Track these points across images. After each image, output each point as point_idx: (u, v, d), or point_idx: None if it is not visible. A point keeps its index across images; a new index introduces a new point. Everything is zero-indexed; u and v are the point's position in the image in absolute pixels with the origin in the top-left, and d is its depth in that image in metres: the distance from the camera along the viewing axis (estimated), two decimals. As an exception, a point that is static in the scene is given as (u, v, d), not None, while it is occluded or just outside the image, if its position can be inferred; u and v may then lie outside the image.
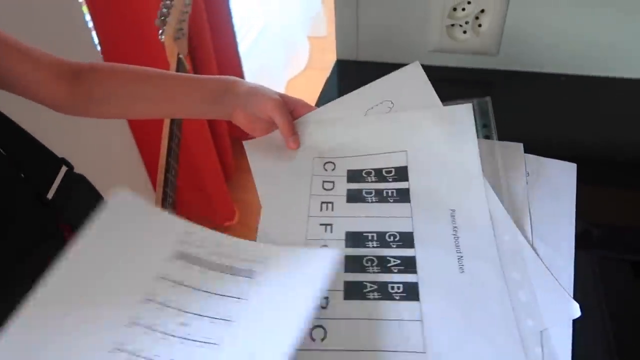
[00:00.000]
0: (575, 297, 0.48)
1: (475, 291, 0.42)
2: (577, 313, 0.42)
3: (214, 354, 0.35)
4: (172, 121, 0.80)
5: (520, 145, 0.64)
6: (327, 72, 0.83)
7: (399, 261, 0.44)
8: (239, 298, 0.39)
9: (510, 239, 0.47)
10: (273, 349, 0.33)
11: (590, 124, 0.70)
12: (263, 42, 2.10)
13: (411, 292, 0.42)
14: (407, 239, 0.46)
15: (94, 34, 1.15)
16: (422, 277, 0.43)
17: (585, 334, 0.45)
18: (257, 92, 0.54)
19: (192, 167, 1.47)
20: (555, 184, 0.58)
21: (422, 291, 0.42)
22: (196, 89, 0.55)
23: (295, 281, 0.40)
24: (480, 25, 0.75)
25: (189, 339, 0.36)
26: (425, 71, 0.81)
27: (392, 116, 0.57)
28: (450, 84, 0.79)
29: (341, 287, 0.43)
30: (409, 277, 0.43)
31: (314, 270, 0.39)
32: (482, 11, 0.73)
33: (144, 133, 1.31)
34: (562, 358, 0.43)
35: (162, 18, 0.80)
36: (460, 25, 0.76)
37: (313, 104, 0.78)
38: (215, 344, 0.36)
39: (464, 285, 0.42)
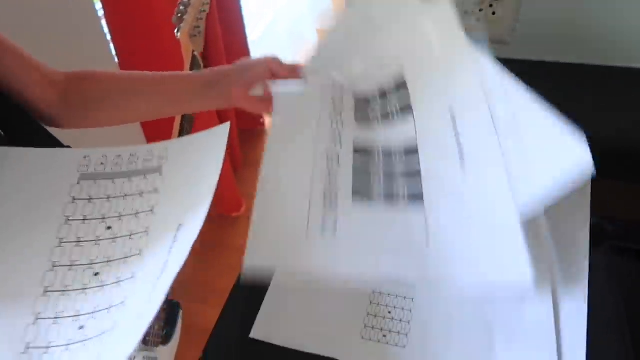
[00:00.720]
0: (590, 287, 0.47)
1: (478, 190, 0.42)
2: (589, 162, 0.41)
3: (144, 241, 0.39)
4: (183, 117, 0.80)
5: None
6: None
7: (404, 168, 0.45)
8: (155, 190, 0.42)
9: (505, 110, 0.46)
10: (193, 214, 0.38)
11: (605, 115, 0.68)
12: (272, 34, 2.09)
13: (416, 196, 0.43)
14: (411, 150, 0.46)
15: (103, 22, 1.15)
16: (426, 179, 0.44)
17: (600, 324, 0.44)
18: (248, 60, 0.54)
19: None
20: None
21: (427, 193, 0.43)
22: (188, 79, 0.55)
23: (198, 161, 0.43)
24: (494, 13, 0.74)
25: (117, 237, 0.39)
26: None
27: (379, 31, 0.55)
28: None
29: (350, 194, 0.44)
30: (413, 182, 0.44)
31: (212, 147, 0.43)
32: (497, -1, 0.72)
33: (154, 129, 1.31)
34: (578, 347, 0.43)
35: (179, 15, 0.80)
36: (474, 13, 0.74)
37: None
38: (143, 232, 0.39)
39: (467, 186, 0.42)
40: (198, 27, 0.83)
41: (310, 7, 2.35)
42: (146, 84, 0.56)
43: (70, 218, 0.40)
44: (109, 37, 1.19)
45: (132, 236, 0.39)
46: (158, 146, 0.45)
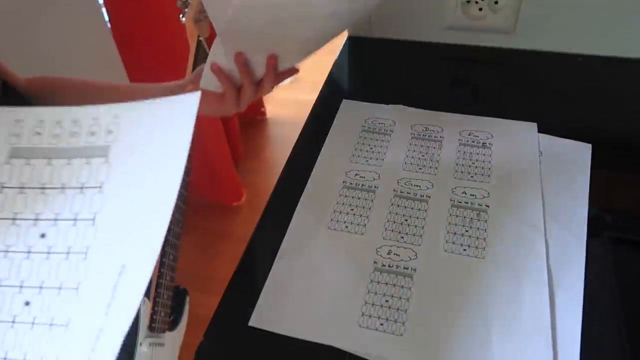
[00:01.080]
0: (586, 278, 0.47)
1: None
2: None
3: (82, 270, 0.31)
4: (198, 46, 0.80)
5: (534, 125, 0.63)
6: (336, 56, 0.81)
7: None
8: (99, 187, 0.34)
9: None
10: (141, 257, 0.30)
11: (607, 106, 0.68)
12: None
13: None
14: None
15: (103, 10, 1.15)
16: None
17: (596, 315, 0.44)
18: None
19: (202, 149, 1.47)
20: (569, 164, 0.57)
21: None
22: (147, 88, 0.56)
23: (156, 144, 0.34)
24: (496, 3, 0.73)
25: (52, 252, 0.32)
26: (439, 49, 0.79)
27: None
28: (464, 62, 0.77)
29: None
30: None
31: (175, 125, 0.34)
32: (499, -12, 0.71)
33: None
34: (573, 337, 0.43)
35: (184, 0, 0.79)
36: (477, 2, 0.73)
37: (321, 87, 0.77)
38: (81, 252, 0.31)
39: None
40: (204, 11, 0.82)
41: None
42: (101, 91, 0.56)
43: None
44: (109, 25, 1.18)
45: (69, 255, 0.31)
46: (106, 112, 0.37)
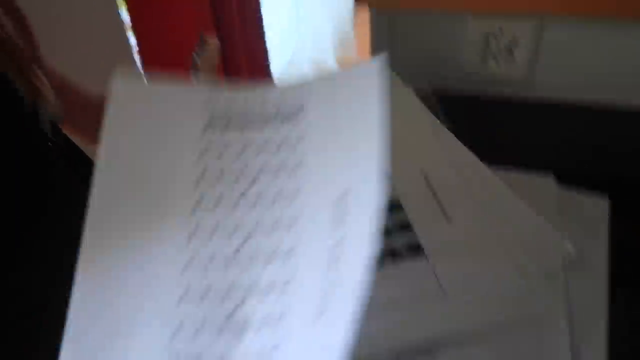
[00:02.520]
0: (609, 330, 0.47)
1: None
2: None
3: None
4: None
5: (552, 180, 0.63)
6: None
7: None
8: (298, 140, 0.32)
9: None
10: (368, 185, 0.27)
11: (625, 155, 0.69)
12: (294, 64, 2.15)
13: None
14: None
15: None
16: None
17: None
18: None
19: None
20: (587, 219, 0.58)
21: None
22: None
23: (350, 109, 0.32)
24: (512, 56, 0.76)
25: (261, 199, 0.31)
26: (456, 99, 0.81)
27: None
28: (480, 112, 0.79)
29: None
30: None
31: (366, 90, 0.32)
32: (515, 40, 0.74)
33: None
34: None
35: None
36: (493, 58, 0.76)
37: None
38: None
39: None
40: None
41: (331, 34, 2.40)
42: None
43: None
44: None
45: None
46: (290, 91, 0.35)
